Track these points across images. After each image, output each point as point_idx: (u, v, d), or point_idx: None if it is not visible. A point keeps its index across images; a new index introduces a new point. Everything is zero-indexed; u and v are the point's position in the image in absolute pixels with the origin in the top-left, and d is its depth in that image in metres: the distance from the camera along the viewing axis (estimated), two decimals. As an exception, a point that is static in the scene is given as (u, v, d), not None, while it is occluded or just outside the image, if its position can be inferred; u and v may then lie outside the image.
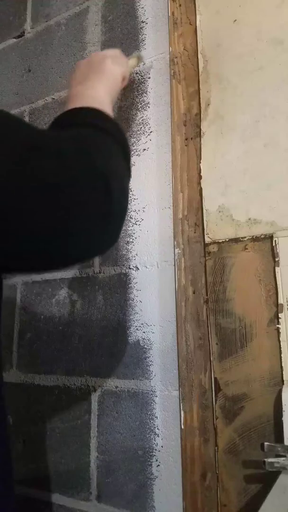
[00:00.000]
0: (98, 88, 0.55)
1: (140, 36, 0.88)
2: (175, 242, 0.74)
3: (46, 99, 1.00)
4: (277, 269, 0.64)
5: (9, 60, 1.11)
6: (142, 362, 0.75)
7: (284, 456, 0.56)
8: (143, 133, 0.83)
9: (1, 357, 0.69)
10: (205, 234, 0.71)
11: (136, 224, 0.81)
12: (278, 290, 0.63)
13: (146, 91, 0.85)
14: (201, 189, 0.73)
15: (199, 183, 0.73)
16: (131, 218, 0.82)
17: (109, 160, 0.39)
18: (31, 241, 0.33)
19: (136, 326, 0.77)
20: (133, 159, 0.84)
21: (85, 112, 0.47)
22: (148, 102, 0.84)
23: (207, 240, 0.71)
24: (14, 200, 0.31)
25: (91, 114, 0.47)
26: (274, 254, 0.64)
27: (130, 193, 0.83)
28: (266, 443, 0.57)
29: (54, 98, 0.99)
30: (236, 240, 0.68)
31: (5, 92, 1.08)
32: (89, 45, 0.96)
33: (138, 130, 0.84)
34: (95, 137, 0.41)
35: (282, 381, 0.61)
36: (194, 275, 0.71)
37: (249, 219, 0.68)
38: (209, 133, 0.74)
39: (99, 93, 0.54)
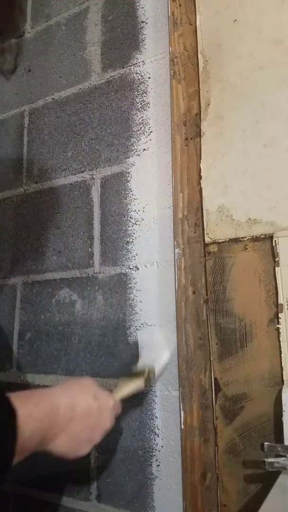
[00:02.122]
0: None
1: (140, 36, 0.88)
2: (175, 242, 0.74)
3: (46, 99, 1.00)
4: (277, 269, 0.64)
5: (9, 60, 1.11)
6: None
7: (284, 456, 0.55)
8: (143, 133, 0.83)
9: None
10: (205, 234, 0.71)
11: (136, 224, 0.81)
12: (278, 290, 0.63)
13: (146, 91, 0.85)
14: (201, 189, 0.73)
15: (199, 183, 0.73)
16: (131, 218, 0.82)
17: None
18: None
19: (136, 326, 0.77)
20: (133, 159, 0.84)
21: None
22: (148, 102, 0.84)
23: (207, 240, 0.71)
24: None
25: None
26: (274, 254, 0.64)
27: (130, 193, 0.83)
28: (266, 443, 0.57)
29: (54, 98, 0.99)
30: (236, 240, 0.68)
31: (5, 92, 1.08)
32: (89, 45, 0.96)
33: (138, 130, 0.84)
34: None
35: (282, 381, 0.61)
36: (194, 275, 0.71)
37: (249, 219, 0.68)
38: (209, 133, 0.74)
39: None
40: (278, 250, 0.64)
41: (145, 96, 0.85)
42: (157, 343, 0.72)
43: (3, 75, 0.61)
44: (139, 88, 0.86)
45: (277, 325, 0.62)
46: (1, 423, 0.42)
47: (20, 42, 1.08)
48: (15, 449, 0.42)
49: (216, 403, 0.66)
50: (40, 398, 0.49)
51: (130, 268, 0.80)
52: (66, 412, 0.51)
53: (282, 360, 0.61)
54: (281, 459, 0.55)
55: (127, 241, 0.82)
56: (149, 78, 0.85)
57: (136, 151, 0.84)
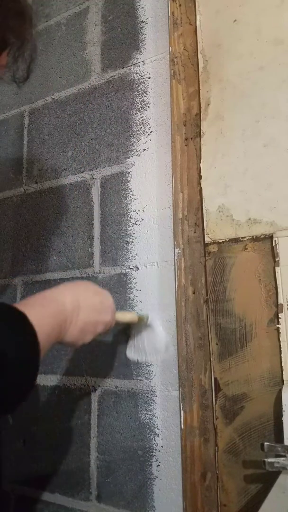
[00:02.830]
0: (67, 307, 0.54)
1: (140, 36, 0.88)
2: (175, 242, 0.74)
3: (46, 99, 1.00)
4: (277, 269, 0.64)
5: (9, 60, 1.11)
6: (142, 362, 0.75)
7: (284, 456, 0.55)
8: (143, 133, 0.83)
9: None
10: (205, 234, 0.71)
11: (136, 224, 0.81)
12: (278, 290, 0.63)
13: (146, 91, 0.85)
14: (201, 189, 0.73)
15: (199, 183, 0.73)
16: (131, 218, 0.82)
17: None
18: None
19: (136, 326, 0.77)
20: (133, 159, 0.84)
21: (13, 314, 0.45)
22: (148, 102, 0.84)
23: (207, 240, 0.71)
24: None
25: (11, 318, 0.45)
26: (274, 254, 0.64)
27: (130, 193, 0.83)
28: (266, 443, 0.57)
29: (54, 98, 0.99)
30: (236, 240, 0.68)
31: (5, 92, 1.08)
32: (89, 45, 0.96)
33: (138, 130, 0.84)
34: None
35: (282, 381, 0.61)
36: (194, 275, 0.71)
37: (249, 219, 0.68)
38: (209, 133, 0.74)
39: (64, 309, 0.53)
40: (278, 250, 0.64)
41: (145, 96, 0.85)
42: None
43: (15, 83, 0.61)
44: (139, 88, 0.86)
45: (277, 325, 0.62)
46: (20, 329, 0.44)
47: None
48: (39, 348, 0.45)
49: (216, 403, 0.66)
50: (45, 299, 0.52)
51: (130, 268, 0.80)
52: (73, 307, 0.55)
53: (282, 360, 0.61)
54: (281, 459, 0.55)
55: (127, 241, 0.82)
56: (149, 78, 0.85)
57: (136, 151, 0.84)
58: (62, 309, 0.53)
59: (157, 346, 0.73)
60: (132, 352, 0.76)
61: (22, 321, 0.44)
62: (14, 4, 0.49)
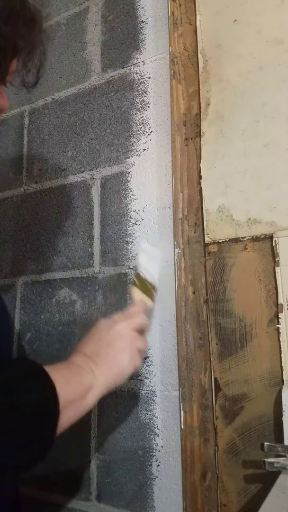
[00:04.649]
0: (95, 376, 0.53)
1: (140, 36, 0.88)
2: (175, 242, 0.74)
3: (46, 99, 1.00)
4: (277, 269, 0.64)
5: (9, 60, 1.11)
6: (142, 362, 0.75)
7: (284, 456, 0.55)
8: (143, 133, 0.83)
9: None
10: (205, 234, 0.71)
11: (136, 224, 0.81)
12: (278, 290, 0.63)
13: (146, 91, 0.85)
14: (201, 189, 0.73)
15: (199, 183, 0.73)
16: (131, 218, 0.82)
17: None
18: None
19: (136, 326, 0.77)
20: (133, 159, 0.84)
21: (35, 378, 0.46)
22: (148, 102, 0.84)
23: (207, 240, 0.71)
24: None
25: (36, 385, 0.45)
26: (274, 254, 0.64)
27: (130, 193, 0.83)
28: (266, 443, 0.57)
29: (54, 98, 0.99)
30: (236, 240, 0.68)
31: (5, 92, 1.08)
32: (89, 45, 0.96)
33: (138, 130, 0.84)
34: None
35: (282, 381, 0.61)
36: (194, 275, 0.71)
37: (249, 219, 0.68)
38: (209, 133, 0.74)
39: (89, 380, 0.53)
40: (278, 250, 0.64)
41: (145, 96, 0.85)
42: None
43: (25, 88, 0.62)
44: (139, 88, 0.86)
45: (277, 325, 0.62)
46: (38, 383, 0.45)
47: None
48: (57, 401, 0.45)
49: (216, 403, 0.66)
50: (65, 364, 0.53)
51: (130, 268, 0.80)
52: (86, 357, 0.55)
53: (282, 360, 0.61)
54: (281, 459, 0.55)
55: (127, 241, 0.82)
56: (149, 78, 0.85)
57: (136, 151, 0.84)
58: (76, 363, 0.54)
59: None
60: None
61: (42, 375, 0.45)
62: (25, 11, 0.49)
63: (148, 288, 0.69)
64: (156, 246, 0.76)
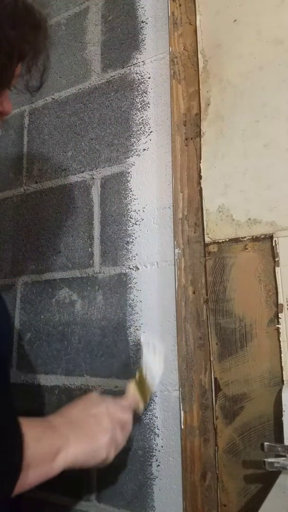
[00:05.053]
0: (68, 443, 0.52)
1: (140, 36, 0.88)
2: (175, 242, 0.74)
3: (46, 99, 1.00)
4: (277, 269, 0.64)
5: (9, 60, 1.11)
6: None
7: (284, 456, 0.55)
8: (143, 133, 0.83)
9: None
10: (205, 234, 0.71)
11: (136, 224, 0.81)
12: (278, 290, 0.63)
13: (146, 91, 0.85)
14: (201, 189, 0.73)
15: (199, 183, 0.73)
16: (131, 218, 0.82)
17: None
18: None
19: (136, 326, 0.77)
20: (133, 159, 0.84)
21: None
22: (148, 102, 0.84)
23: (207, 240, 0.71)
24: None
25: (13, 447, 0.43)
26: (274, 254, 0.64)
27: (130, 193, 0.83)
28: (266, 443, 0.57)
29: (54, 98, 0.99)
30: (236, 240, 0.68)
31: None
32: (89, 45, 0.96)
33: (138, 130, 0.84)
34: None
35: (282, 381, 0.61)
36: (194, 275, 0.71)
37: (249, 219, 0.68)
38: (209, 133, 0.74)
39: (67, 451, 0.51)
40: (278, 250, 0.64)
41: (145, 96, 0.85)
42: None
43: (28, 92, 0.62)
44: (139, 88, 0.86)
45: (277, 325, 0.62)
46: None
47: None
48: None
49: (216, 403, 0.66)
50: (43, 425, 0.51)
51: (130, 268, 0.80)
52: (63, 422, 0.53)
53: (282, 360, 0.61)
54: (281, 459, 0.55)
55: (127, 241, 0.82)
56: (149, 78, 0.85)
57: (136, 151, 0.84)
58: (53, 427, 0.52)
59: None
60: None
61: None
62: (30, 17, 0.50)
63: (144, 390, 0.69)
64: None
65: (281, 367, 0.61)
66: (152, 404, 0.73)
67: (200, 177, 0.73)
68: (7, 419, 0.45)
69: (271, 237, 0.65)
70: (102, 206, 0.86)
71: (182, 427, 0.68)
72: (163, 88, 0.82)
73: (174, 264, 0.73)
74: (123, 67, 0.89)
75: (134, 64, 0.87)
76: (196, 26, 0.78)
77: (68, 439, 0.52)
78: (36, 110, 1.02)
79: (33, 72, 0.57)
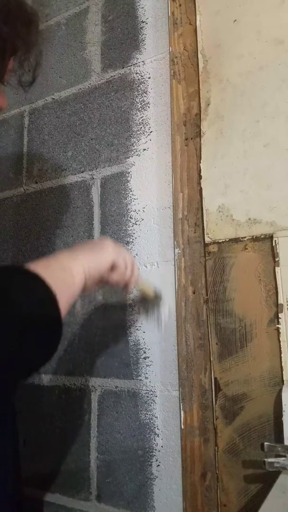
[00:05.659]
0: (77, 258, 0.52)
1: (140, 36, 0.88)
2: (175, 242, 0.74)
3: (46, 99, 1.00)
4: (277, 269, 0.64)
5: (9, 60, 1.11)
6: (142, 362, 0.75)
7: (284, 456, 0.55)
8: (143, 133, 0.83)
9: None
10: (205, 234, 0.71)
11: (136, 224, 0.81)
12: (278, 290, 0.63)
13: (146, 91, 0.85)
14: (201, 189, 0.73)
15: (199, 183, 0.73)
16: (131, 218, 0.82)
17: None
18: None
19: (136, 326, 0.77)
20: (133, 159, 0.84)
21: (22, 277, 0.44)
22: (148, 102, 0.84)
23: (207, 240, 0.71)
24: None
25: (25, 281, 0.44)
26: (274, 254, 0.64)
27: (130, 193, 0.83)
28: (266, 443, 0.57)
29: (54, 98, 0.99)
30: (236, 240, 0.68)
31: (5, 92, 1.08)
32: (89, 45, 0.96)
33: (138, 130, 0.84)
34: None
35: (282, 381, 0.61)
36: (194, 275, 0.71)
37: (249, 219, 0.68)
38: (209, 133, 0.74)
39: (74, 262, 0.51)
40: (278, 250, 0.64)
41: (145, 96, 0.85)
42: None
43: (21, 87, 0.63)
44: (139, 88, 0.86)
45: (277, 325, 0.62)
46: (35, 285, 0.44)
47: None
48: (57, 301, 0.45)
49: (216, 403, 0.66)
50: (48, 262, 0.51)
51: (130, 268, 0.80)
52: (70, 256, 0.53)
53: (282, 360, 0.61)
54: (281, 459, 0.55)
55: (127, 241, 0.82)
56: (149, 78, 0.85)
57: (136, 151, 0.84)
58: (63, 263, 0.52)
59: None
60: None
61: (36, 278, 0.44)
62: (21, 12, 0.50)
63: (150, 286, 0.74)
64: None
65: (281, 367, 0.61)
66: (152, 404, 0.73)
67: (200, 177, 0.73)
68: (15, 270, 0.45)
69: (271, 237, 0.65)
70: (102, 206, 0.86)
71: (182, 427, 0.68)
72: (163, 88, 0.82)
73: (174, 264, 0.73)
74: (123, 67, 0.89)
75: (134, 64, 0.87)
76: (196, 26, 0.78)
77: (77, 256, 0.53)
78: (36, 110, 1.02)
79: (25, 67, 0.57)
